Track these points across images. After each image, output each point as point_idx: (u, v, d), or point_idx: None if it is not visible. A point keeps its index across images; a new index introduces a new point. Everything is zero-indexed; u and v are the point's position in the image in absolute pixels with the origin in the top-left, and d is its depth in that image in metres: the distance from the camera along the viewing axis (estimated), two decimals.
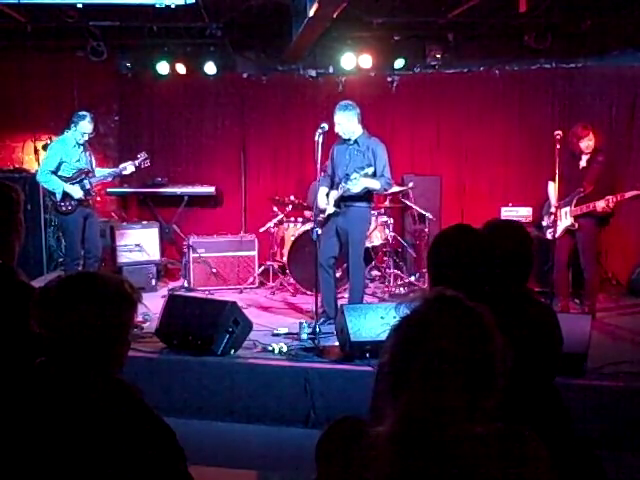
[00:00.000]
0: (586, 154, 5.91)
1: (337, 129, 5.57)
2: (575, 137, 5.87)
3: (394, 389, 1.33)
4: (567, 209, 5.92)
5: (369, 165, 5.53)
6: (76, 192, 6.21)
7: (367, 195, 5.66)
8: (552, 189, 5.96)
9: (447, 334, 1.30)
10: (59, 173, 6.21)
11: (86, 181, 6.30)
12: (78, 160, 6.29)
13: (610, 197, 5.74)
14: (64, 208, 6.22)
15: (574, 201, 5.88)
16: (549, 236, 5.96)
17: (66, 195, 6.18)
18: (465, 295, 1.39)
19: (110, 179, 6.95)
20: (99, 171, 6.60)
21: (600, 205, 5.75)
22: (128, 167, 6.62)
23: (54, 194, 6.20)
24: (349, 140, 5.65)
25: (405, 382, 1.31)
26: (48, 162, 6.28)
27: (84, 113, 6.24)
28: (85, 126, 6.21)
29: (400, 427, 1.28)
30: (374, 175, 5.52)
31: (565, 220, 5.93)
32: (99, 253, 6.55)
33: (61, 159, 6.20)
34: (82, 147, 6.32)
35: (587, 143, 5.86)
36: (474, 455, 1.25)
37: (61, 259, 7.82)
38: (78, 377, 1.61)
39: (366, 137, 5.67)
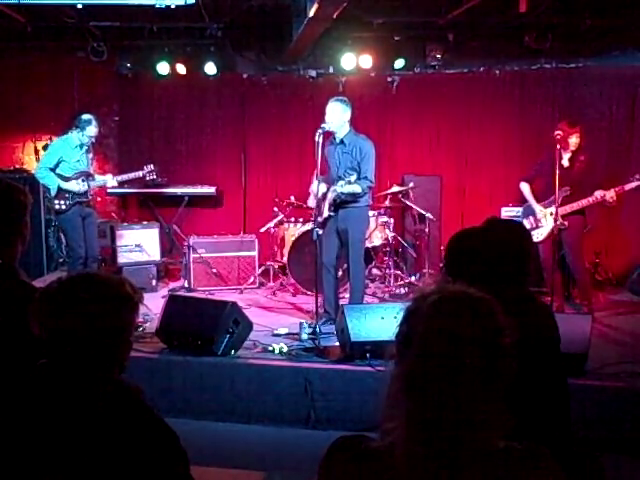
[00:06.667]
0: (569, 151, 5.87)
1: (327, 117, 5.50)
2: (563, 132, 5.81)
3: (405, 391, 1.25)
4: (552, 209, 5.72)
5: (358, 165, 5.54)
6: (75, 186, 6.16)
7: (364, 194, 5.65)
8: (527, 190, 6.07)
9: (462, 326, 1.24)
10: (58, 171, 6.17)
11: (85, 183, 6.26)
12: (78, 161, 6.25)
13: (611, 190, 5.70)
14: (57, 207, 6.19)
15: (560, 201, 5.76)
16: (534, 239, 5.78)
17: (59, 194, 6.14)
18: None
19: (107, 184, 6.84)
20: (98, 177, 6.55)
21: (610, 195, 5.69)
22: (111, 180, 6.60)
23: (49, 190, 6.18)
24: (335, 140, 5.65)
25: (418, 382, 1.24)
26: (47, 159, 6.26)
27: (89, 117, 6.20)
28: (92, 130, 6.21)
29: (414, 441, 1.21)
30: (359, 177, 5.51)
31: (551, 220, 5.80)
32: (96, 254, 6.50)
33: (60, 158, 6.17)
34: (84, 149, 6.29)
35: (575, 140, 5.84)
36: (494, 474, 1.21)
37: (61, 259, 7.83)
38: (79, 379, 1.61)
39: (353, 135, 5.63)
